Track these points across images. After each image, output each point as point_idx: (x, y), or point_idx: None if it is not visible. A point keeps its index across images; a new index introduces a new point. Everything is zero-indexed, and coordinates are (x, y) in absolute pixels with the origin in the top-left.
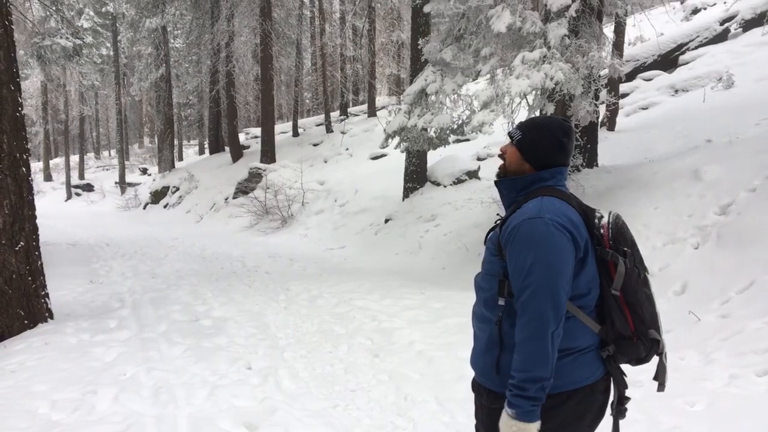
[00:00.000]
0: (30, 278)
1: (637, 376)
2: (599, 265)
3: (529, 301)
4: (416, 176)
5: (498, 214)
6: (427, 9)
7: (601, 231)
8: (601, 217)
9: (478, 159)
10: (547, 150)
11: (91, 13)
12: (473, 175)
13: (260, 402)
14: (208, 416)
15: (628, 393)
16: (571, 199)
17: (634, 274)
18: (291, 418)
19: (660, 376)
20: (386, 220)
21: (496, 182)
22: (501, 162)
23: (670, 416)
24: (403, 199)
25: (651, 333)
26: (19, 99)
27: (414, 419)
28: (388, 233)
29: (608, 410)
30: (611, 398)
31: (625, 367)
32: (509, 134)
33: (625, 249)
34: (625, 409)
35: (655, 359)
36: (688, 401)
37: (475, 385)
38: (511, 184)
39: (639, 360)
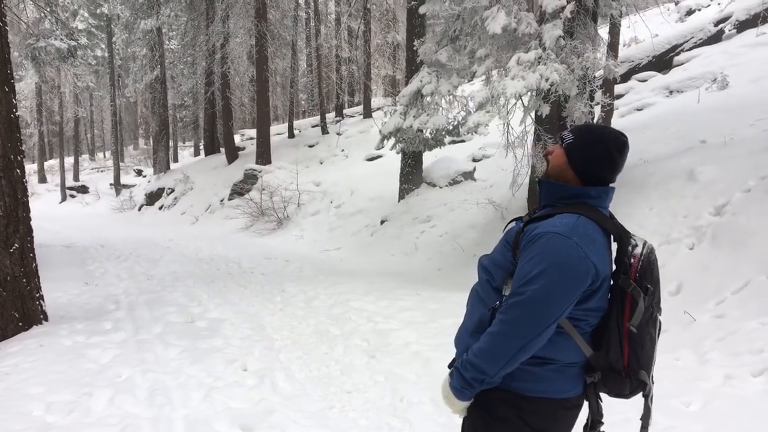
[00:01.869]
0: (24, 280)
1: None
2: (615, 292)
3: (514, 306)
4: (412, 177)
5: (529, 210)
6: (422, 10)
7: (631, 260)
8: (635, 245)
9: (474, 160)
10: (595, 161)
11: (86, 14)
12: (469, 176)
13: (256, 403)
14: (203, 418)
15: (603, 419)
16: (607, 223)
17: (648, 313)
18: (287, 420)
19: (644, 419)
20: (382, 222)
21: (540, 181)
22: (544, 162)
23: (665, 416)
24: (399, 200)
25: (641, 374)
26: (14, 100)
27: (410, 420)
28: (383, 234)
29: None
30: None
31: None
32: (561, 136)
33: (648, 286)
34: None
35: (639, 399)
36: (683, 401)
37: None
38: (555, 189)
39: (620, 395)
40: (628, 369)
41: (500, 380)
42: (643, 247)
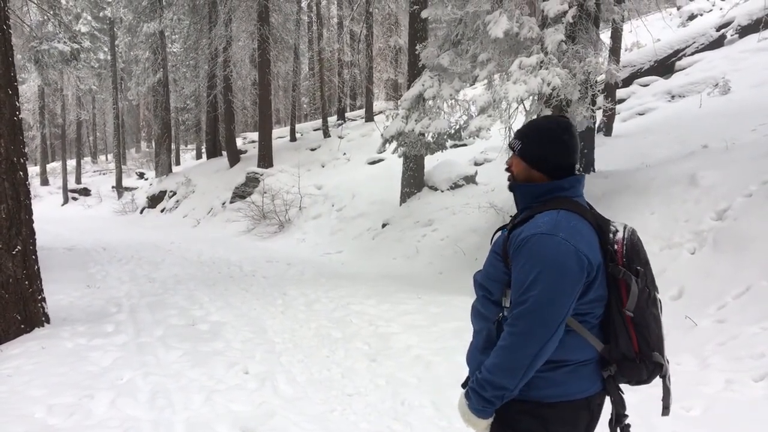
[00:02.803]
0: (27, 282)
1: None
2: (609, 281)
3: (520, 317)
4: (413, 181)
5: (510, 215)
6: (424, 14)
7: (615, 247)
8: (616, 231)
9: (476, 164)
10: (551, 152)
11: (89, 17)
12: (470, 179)
13: (257, 407)
14: (205, 421)
15: (627, 411)
16: (586, 212)
17: (644, 294)
18: (288, 423)
19: (665, 400)
20: (383, 225)
21: (511, 187)
22: (508, 174)
23: (666, 421)
24: (401, 204)
25: (655, 356)
26: (17, 103)
27: (411, 424)
28: (385, 238)
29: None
30: (609, 416)
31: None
32: (510, 146)
33: (638, 268)
34: (628, 426)
35: (657, 381)
36: (684, 406)
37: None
38: (528, 191)
39: (639, 381)
40: (640, 354)
41: (519, 391)
42: (624, 231)
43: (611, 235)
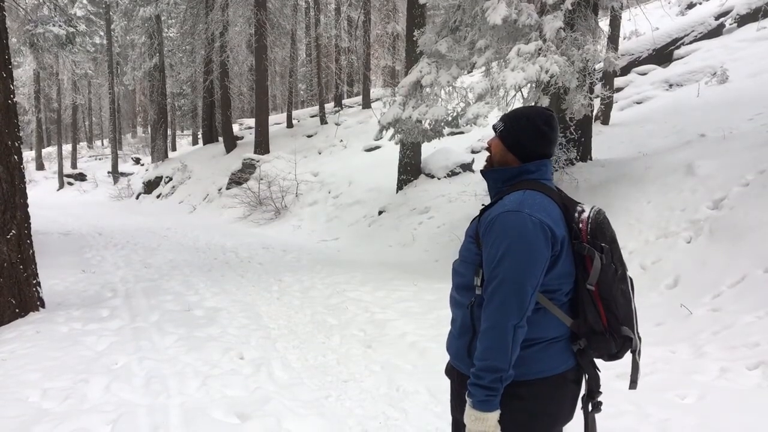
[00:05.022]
0: (21, 267)
1: (627, 369)
2: (576, 258)
3: (494, 291)
4: (410, 168)
5: (483, 204)
6: (422, 0)
7: (580, 225)
8: (582, 211)
9: (472, 151)
10: (528, 140)
11: (85, 1)
12: (467, 167)
13: (252, 392)
14: (200, 406)
15: (601, 388)
16: (552, 193)
17: (610, 270)
18: (283, 408)
19: (632, 374)
20: (380, 212)
21: (482, 173)
22: (487, 154)
23: (660, 409)
24: (397, 191)
25: (624, 330)
26: (11, 86)
27: (406, 410)
28: (381, 225)
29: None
30: (582, 392)
31: (608, 363)
32: (493, 127)
33: (603, 245)
34: (599, 403)
35: (629, 356)
36: (678, 394)
37: (448, 369)
38: (497, 176)
39: (611, 356)
40: (609, 328)
41: (513, 371)
42: (591, 211)
43: (576, 214)
